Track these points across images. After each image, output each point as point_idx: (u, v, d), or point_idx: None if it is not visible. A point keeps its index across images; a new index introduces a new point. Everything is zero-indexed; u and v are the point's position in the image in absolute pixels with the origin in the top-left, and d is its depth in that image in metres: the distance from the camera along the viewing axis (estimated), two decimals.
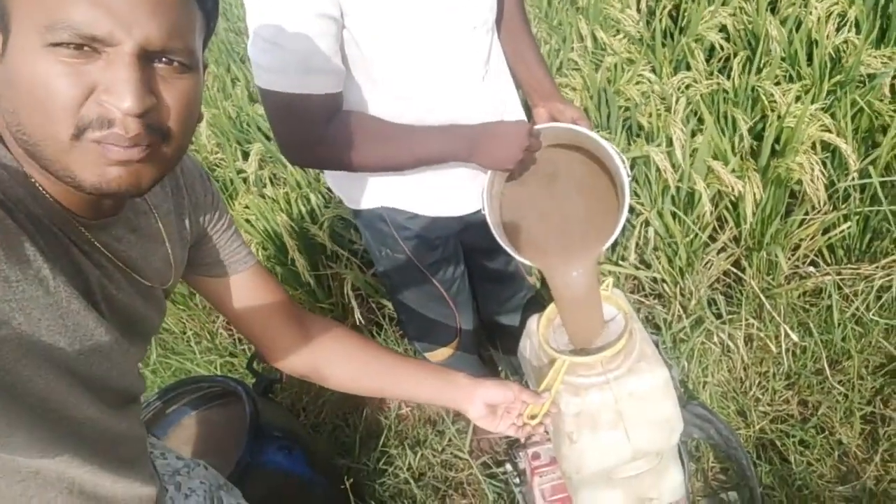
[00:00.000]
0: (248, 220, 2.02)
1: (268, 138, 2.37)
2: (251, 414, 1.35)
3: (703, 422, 1.41)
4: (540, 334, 1.13)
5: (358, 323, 1.94)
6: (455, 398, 0.99)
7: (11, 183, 0.55)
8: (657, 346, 1.18)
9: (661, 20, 2.20)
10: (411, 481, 1.71)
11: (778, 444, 1.63)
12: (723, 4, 2.15)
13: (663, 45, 2.14)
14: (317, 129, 1.04)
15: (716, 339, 1.74)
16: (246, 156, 2.36)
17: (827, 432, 1.62)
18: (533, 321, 1.21)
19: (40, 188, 0.57)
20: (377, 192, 1.25)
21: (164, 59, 0.55)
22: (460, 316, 1.54)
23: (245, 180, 2.26)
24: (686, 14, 2.26)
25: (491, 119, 1.18)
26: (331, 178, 1.35)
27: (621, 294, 1.22)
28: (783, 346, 1.70)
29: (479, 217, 1.20)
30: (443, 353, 1.61)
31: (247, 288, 0.90)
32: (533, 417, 1.00)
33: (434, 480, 1.74)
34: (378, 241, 1.35)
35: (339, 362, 0.97)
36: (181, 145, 0.60)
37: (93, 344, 0.62)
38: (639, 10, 2.42)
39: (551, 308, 1.18)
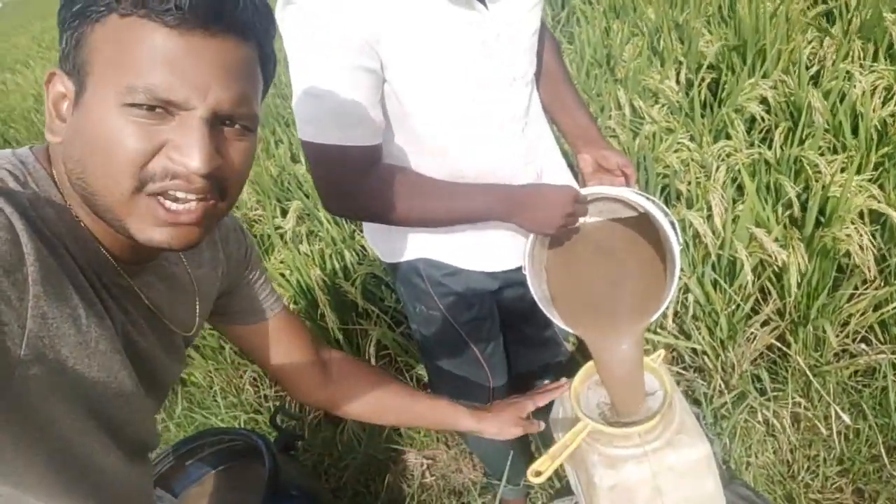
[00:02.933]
0: (282, 274, 2.03)
1: (307, 196, 2.42)
2: (271, 470, 1.31)
3: None
4: (572, 390, 1.09)
5: None
6: (454, 416, 1.11)
7: (56, 221, 0.56)
8: (698, 419, 1.12)
9: (699, 91, 2.21)
10: None
11: None
12: (763, 77, 2.15)
13: (702, 115, 2.14)
14: (355, 181, 1.04)
15: (760, 416, 1.65)
16: (285, 212, 2.40)
17: None
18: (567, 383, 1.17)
19: (84, 228, 0.59)
20: (415, 245, 1.24)
21: (230, 122, 0.58)
22: (494, 379, 1.49)
23: (282, 236, 2.29)
24: (726, 86, 2.27)
25: (530, 172, 1.17)
26: (368, 230, 1.35)
27: (664, 366, 1.17)
28: (834, 429, 1.59)
29: (517, 277, 1.17)
30: None
31: (275, 333, 0.92)
32: (539, 474, 0.95)
33: None
34: (413, 296, 1.33)
35: (356, 398, 1.03)
36: (234, 201, 0.63)
37: (117, 387, 0.62)
38: (678, 82, 2.45)
39: (588, 367, 1.13)
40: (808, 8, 2.57)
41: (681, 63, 2.56)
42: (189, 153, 0.54)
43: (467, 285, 1.28)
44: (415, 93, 1.03)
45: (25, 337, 0.50)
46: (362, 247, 2.09)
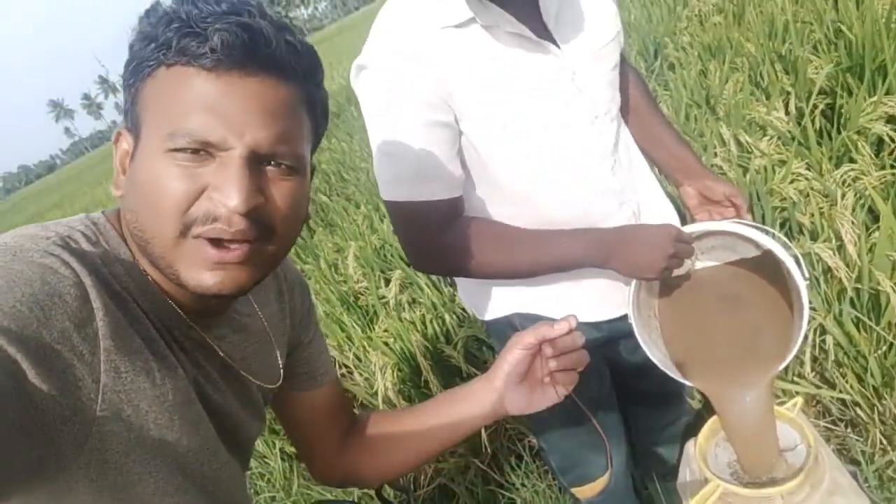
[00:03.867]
0: (385, 343, 2.04)
1: (408, 264, 2.45)
2: None
3: None
4: (697, 448, 0.96)
5: (486, 453, 1.80)
6: (476, 402, 0.84)
7: (125, 277, 0.58)
8: (856, 479, 0.95)
9: (812, 118, 2.04)
10: None
11: None
12: (886, 94, 1.96)
13: (819, 143, 1.97)
14: (437, 235, 1.03)
15: None
16: (388, 282, 2.45)
17: None
18: (691, 444, 1.04)
19: (152, 282, 0.60)
20: (508, 299, 1.19)
21: (272, 162, 0.58)
22: (610, 442, 1.37)
23: (385, 305, 2.32)
24: (842, 110, 2.09)
25: (626, 212, 1.10)
26: (462, 288, 1.32)
27: (803, 415, 1.03)
28: None
29: (625, 328, 1.09)
30: (592, 488, 1.42)
31: (325, 403, 0.88)
32: None
33: None
34: None
35: (370, 461, 0.88)
36: (285, 244, 0.62)
37: (202, 442, 0.61)
38: (787, 113, 2.29)
39: (713, 422, 1.01)
40: None
41: (788, 94, 2.41)
42: (228, 192, 0.54)
43: None
44: (491, 141, 1.01)
45: (101, 392, 0.50)
46: (462, 309, 2.07)
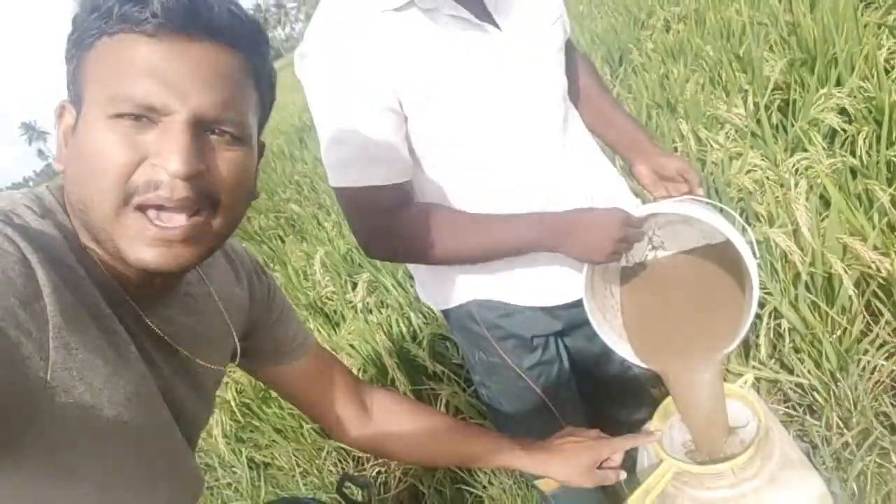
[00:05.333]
0: (351, 345, 2.02)
1: (375, 267, 2.44)
2: None
3: None
4: (651, 428, 0.97)
5: None
6: (510, 453, 1.00)
7: (69, 252, 0.56)
8: (808, 456, 0.96)
9: (769, 112, 2.08)
10: None
11: None
12: (836, 85, 2.01)
13: (774, 135, 2.01)
14: (387, 221, 1.02)
15: (894, 458, 1.40)
16: (355, 286, 2.43)
17: None
18: (646, 428, 1.05)
19: (95, 259, 0.58)
20: (464, 287, 1.18)
21: (216, 129, 0.57)
22: None
23: (353, 308, 2.31)
24: (797, 103, 2.14)
25: (578, 196, 1.10)
26: (417, 281, 1.31)
27: (754, 392, 1.03)
28: None
29: (581, 316, 1.09)
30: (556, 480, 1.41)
31: (310, 372, 0.89)
32: None
33: None
34: (471, 343, 1.25)
35: (400, 437, 0.97)
36: (230, 218, 0.60)
37: (156, 421, 0.60)
38: (746, 109, 2.33)
39: (666, 404, 1.02)
40: (879, 15, 2.42)
41: (746, 91, 2.46)
42: (169, 157, 0.53)
43: (526, 326, 1.20)
44: (437, 126, 1.01)
45: (49, 369, 0.49)
46: (429, 308, 2.06)
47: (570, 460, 0.99)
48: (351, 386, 0.94)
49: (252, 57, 0.60)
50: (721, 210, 1.10)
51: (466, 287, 1.18)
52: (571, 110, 1.16)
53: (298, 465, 2.23)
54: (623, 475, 1.00)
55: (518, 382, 1.26)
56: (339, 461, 2.18)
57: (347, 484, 1.49)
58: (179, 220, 0.55)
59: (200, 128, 0.55)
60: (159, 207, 0.54)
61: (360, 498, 1.53)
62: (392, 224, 1.02)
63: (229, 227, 0.61)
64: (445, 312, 1.25)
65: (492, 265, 1.11)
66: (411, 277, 2.28)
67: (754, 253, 0.95)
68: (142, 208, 0.54)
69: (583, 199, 1.14)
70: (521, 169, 1.07)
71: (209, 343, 0.71)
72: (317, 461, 2.24)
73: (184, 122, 0.54)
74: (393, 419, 0.97)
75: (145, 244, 0.54)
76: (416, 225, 1.03)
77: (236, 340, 0.76)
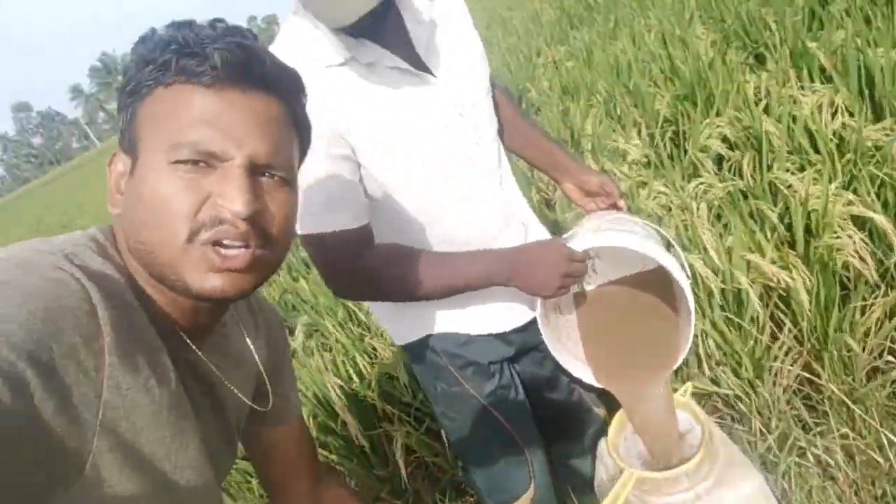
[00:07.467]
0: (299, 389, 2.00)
1: (315, 310, 2.44)
2: None
3: None
4: (609, 443, 1.05)
5: (409, 491, 1.81)
6: None
7: (125, 292, 0.59)
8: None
9: (663, 142, 2.31)
10: None
11: None
12: (716, 115, 2.27)
13: (672, 164, 2.23)
14: (352, 262, 1.07)
15: (811, 456, 1.55)
16: (292, 331, 2.41)
17: None
18: (602, 443, 1.13)
19: (152, 297, 0.62)
20: (423, 321, 1.23)
21: (267, 173, 0.62)
22: (530, 455, 1.43)
23: (293, 353, 2.28)
24: (686, 134, 2.39)
25: (515, 226, 1.19)
26: (379, 314, 1.35)
27: (692, 400, 1.16)
28: (893, 459, 1.44)
29: (533, 341, 1.16)
30: None
31: (288, 440, 0.90)
32: None
33: None
34: (431, 375, 1.30)
35: None
36: (280, 252, 0.65)
37: (190, 458, 0.62)
38: (641, 139, 2.57)
39: (619, 417, 1.11)
40: (743, 56, 2.75)
41: (639, 123, 2.71)
42: (232, 198, 0.58)
43: (482, 353, 1.26)
44: (388, 173, 1.07)
45: (101, 408, 0.51)
46: (373, 347, 2.09)
47: None
48: (313, 468, 0.95)
49: (294, 106, 0.67)
50: (657, 231, 1.23)
51: (425, 321, 1.24)
52: (502, 148, 1.25)
53: None
54: None
55: (479, 410, 1.32)
56: None
57: None
58: (241, 252, 0.60)
59: (254, 171, 0.61)
60: (220, 244, 0.59)
61: None
62: (357, 265, 1.07)
63: (279, 260, 0.66)
64: (406, 347, 1.30)
65: (449, 299, 1.17)
66: (352, 319, 2.30)
67: (685, 271, 1.05)
68: (208, 243, 0.58)
69: (520, 226, 1.24)
70: (468, 206, 1.15)
71: (235, 385, 0.74)
72: None
73: (242, 167, 0.59)
74: None
75: (213, 272, 0.59)
76: (381, 265, 1.08)
77: (265, 374, 0.79)
